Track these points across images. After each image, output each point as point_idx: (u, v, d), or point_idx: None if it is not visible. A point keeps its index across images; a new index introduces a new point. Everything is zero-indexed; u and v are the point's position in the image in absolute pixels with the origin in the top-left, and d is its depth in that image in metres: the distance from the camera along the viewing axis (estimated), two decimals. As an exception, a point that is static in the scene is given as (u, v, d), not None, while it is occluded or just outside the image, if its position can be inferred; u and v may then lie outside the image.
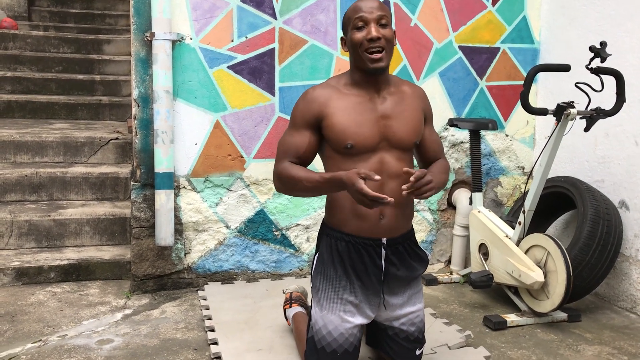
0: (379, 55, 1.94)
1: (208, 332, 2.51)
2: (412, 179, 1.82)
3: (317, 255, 2.11)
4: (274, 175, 2.05)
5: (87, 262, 3.15)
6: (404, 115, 2.04)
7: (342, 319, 2.02)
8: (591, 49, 2.45)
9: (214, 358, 2.28)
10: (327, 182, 1.90)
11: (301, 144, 2.01)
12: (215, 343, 2.40)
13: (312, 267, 2.12)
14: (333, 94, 2.01)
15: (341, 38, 2.06)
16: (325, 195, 2.10)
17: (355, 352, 2.06)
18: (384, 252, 2.03)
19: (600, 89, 2.47)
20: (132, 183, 2.97)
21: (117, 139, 4.08)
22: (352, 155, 1.98)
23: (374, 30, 1.92)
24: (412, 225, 2.17)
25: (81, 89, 5.26)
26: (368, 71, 1.98)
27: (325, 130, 1.99)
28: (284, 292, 2.60)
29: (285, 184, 2.01)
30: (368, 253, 2.02)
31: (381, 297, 2.07)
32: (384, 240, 2.03)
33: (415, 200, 3.32)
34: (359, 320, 2.04)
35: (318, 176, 1.93)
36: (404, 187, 1.84)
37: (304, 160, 2.04)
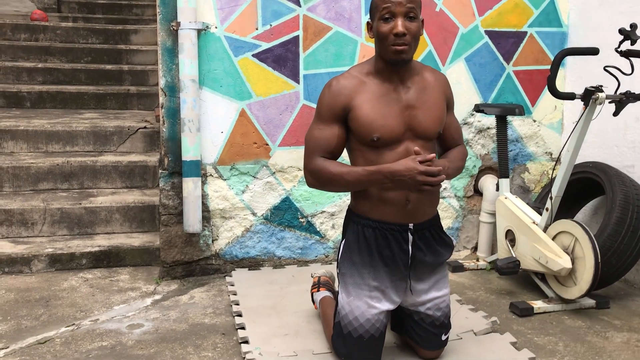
0: (403, 47, 1.92)
1: (235, 317, 2.55)
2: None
3: (343, 241, 2.13)
4: (306, 172, 2.04)
5: (117, 249, 3.22)
6: (428, 105, 2.03)
7: (369, 304, 2.04)
8: (621, 31, 2.41)
9: (241, 342, 2.32)
10: (371, 174, 1.91)
11: (332, 138, 2.01)
12: (243, 328, 2.44)
13: (338, 254, 2.14)
14: (358, 85, 2.00)
15: (367, 23, 2.04)
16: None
17: (381, 338, 2.08)
18: (410, 237, 2.04)
19: (630, 72, 2.43)
20: (160, 171, 3.02)
21: (145, 128, 4.14)
22: (378, 146, 1.99)
23: (400, 26, 1.90)
24: (438, 211, 2.17)
25: (110, 79, 5.34)
26: (390, 62, 1.97)
27: (352, 122, 1.99)
28: (312, 276, 2.63)
29: (320, 180, 2.00)
30: (395, 238, 2.04)
31: (408, 282, 2.08)
32: (411, 225, 2.04)
33: (442, 186, 3.30)
34: (386, 306, 2.06)
35: (361, 169, 1.94)
36: None
37: (335, 155, 2.04)
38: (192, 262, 3.09)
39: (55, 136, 4.01)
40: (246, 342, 2.32)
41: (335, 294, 2.47)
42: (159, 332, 2.45)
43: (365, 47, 3.13)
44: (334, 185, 1.99)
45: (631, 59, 2.46)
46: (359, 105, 1.98)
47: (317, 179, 2.01)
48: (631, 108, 2.90)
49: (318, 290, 2.50)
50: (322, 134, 2.02)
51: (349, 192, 2.19)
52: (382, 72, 2.02)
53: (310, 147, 2.03)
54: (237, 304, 2.67)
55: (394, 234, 2.03)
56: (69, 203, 3.43)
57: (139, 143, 4.13)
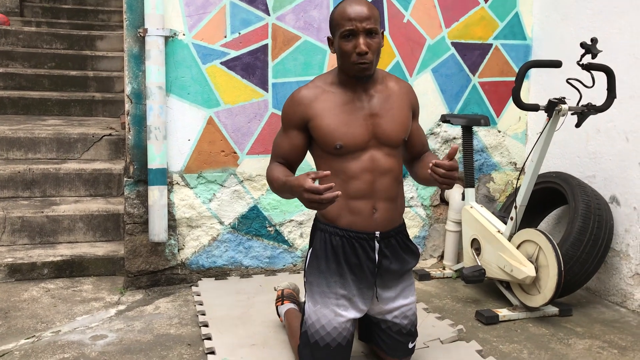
0: (365, 65, 1.94)
1: (202, 328, 2.51)
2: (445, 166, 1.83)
3: (310, 250, 2.12)
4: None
5: (80, 258, 3.15)
6: (392, 113, 2.05)
7: (336, 313, 2.03)
8: (582, 45, 2.47)
9: (207, 353, 2.29)
10: (284, 184, 1.93)
11: (287, 146, 2.07)
12: (209, 338, 2.41)
13: (305, 262, 2.13)
14: (319, 95, 2.02)
15: (328, 38, 2.06)
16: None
17: (348, 346, 2.07)
18: (377, 245, 2.05)
19: (591, 85, 2.49)
20: (125, 179, 2.97)
21: (110, 135, 4.08)
22: (342, 154, 2.00)
23: (362, 45, 1.91)
24: (404, 220, 2.19)
25: (74, 85, 5.24)
26: (353, 78, 2.00)
27: (313, 131, 2.01)
28: (275, 289, 2.61)
29: (268, 182, 2.09)
30: (362, 247, 2.04)
31: (374, 290, 2.08)
32: (377, 233, 2.05)
33: (408, 196, 3.34)
34: (352, 314, 2.05)
35: (282, 178, 1.97)
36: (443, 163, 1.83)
37: (291, 161, 2.09)
38: (157, 272, 3.04)
39: (16, 143, 3.92)
40: (212, 352, 2.29)
41: (300, 306, 2.46)
42: (123, 343, 2.39)
43: (334, 57, 3.14)
44: (273, 188, 2.05)
45: (592, 72, 2.52)
46: (319, 115, 1.99)
47: (268, 181, 2.09)
48: (592, 120, 2.98)
49: (282, 303, 2.49)
50: (280, 141, 2.10)
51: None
52: (344, 82, 2.04)
53: (272, 153, 2.14)
54: (204, 314, 2.64)
55: (361, 242, 2.04)
56: (30, 211, 3.35)
57: (103, 150, 4.06)
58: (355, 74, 1.97)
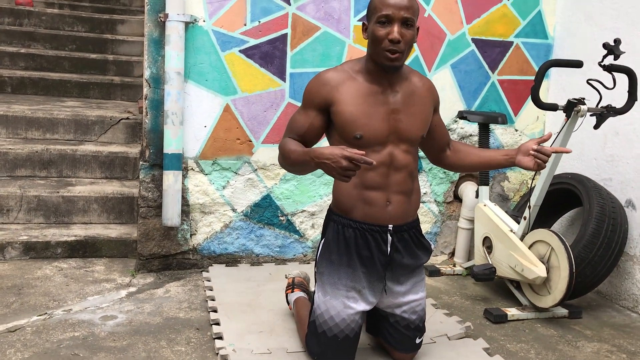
0: (395, 55, 1.93)
1: (210, 313, 2.53)
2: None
3: (322, 241, 2.13)
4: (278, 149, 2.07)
5: (93, 240, 3.18)
6: (414, 110, 2.05)
7: (345, 304, 2.04)
8: (605, 45, 2.44)
9: (215, 338, 2.31)
10: (305, 154, 1.87)
11: (304, 124, 2.04)
12: (217, 323, 2.43)
13: (317, 253, 2.14)
14: (346, 80, 2.01)
15: (363, 23, 2.04)
16: (333, 182, 2.12)
17: (356, 338, 2.08)
18: (389, 238, 2.05)
19: (612, 86, 2.46)
20: (140, 163, 3.00)
21: (127, 118, 4.11)
22: (360, 146, 1.98)
23: (396, 32, 1.90)
24: (418, 215, 2.19)
25: (94, 68, 5.28)
26: (381, 66, 1.98)
27: (335, 116, 2.00)
28: (286, 277, 2.62)
29: (282, 157, 2.03)
30: (374, 239, 2.04)
31: (384, 283, 2.08)
32: (390, 227, 2.05)
33: (422, 191, 3.33)
34: (362, 306, 2.06)
35: (302, 150, 1.92)
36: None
37: (306, 141, 2.05)
38: (169, 256, 3.07)
39: (35, 123, 3.96)
40: (220, 337, 2.31)
41: (310, 295, 2.47)
42: (132, 324, 2.42)
43: (353, 49, 3.14)
44: (286, 161, 2.00)
45: (614, 73, 2.49)
46: (343, 100, 1.98)
47: (280, 153, 2.04)
48: (611, 122, 2.94)
49: (292, 291, 2.50)
50: (298, 118, 2.06)
51: (331, 192, 2.18)
52: (371, 72, 2.02)
53: (287, 128, 2.10)
54: (213, 300, 2.66)
55: (374, 234, 2.04)
56: (46, 191, 3.38)
57: (120, 134, 4.09)
58: (384, 62, 1.94)
